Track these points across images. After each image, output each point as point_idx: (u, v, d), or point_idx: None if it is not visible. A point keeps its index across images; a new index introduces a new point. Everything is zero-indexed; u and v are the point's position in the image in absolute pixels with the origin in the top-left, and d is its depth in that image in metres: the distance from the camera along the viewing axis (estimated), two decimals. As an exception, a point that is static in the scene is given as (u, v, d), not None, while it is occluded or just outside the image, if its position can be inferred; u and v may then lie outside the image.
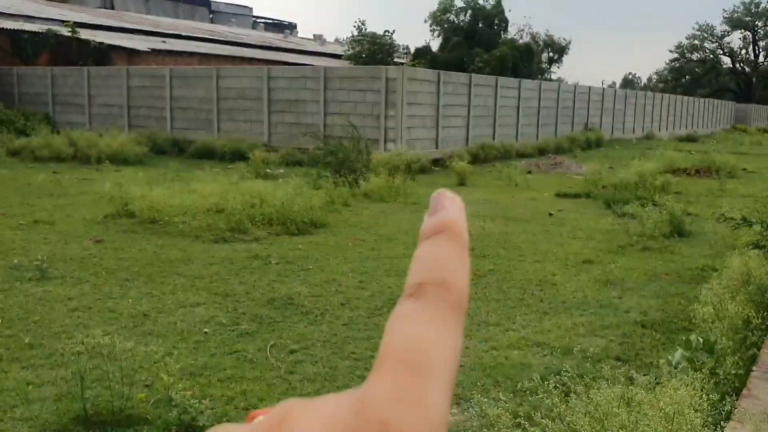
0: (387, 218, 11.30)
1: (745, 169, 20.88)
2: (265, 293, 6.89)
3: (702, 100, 54.30)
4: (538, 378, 3.96)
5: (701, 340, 5.01)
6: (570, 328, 5.97)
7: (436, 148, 20.63)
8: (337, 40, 61.90)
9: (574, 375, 4.27)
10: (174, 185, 12.06)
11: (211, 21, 62.27)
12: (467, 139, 22.16)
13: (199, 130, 22.62)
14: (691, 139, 37.45)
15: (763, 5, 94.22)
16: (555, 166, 19.92)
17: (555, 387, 3.74)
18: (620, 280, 7.62)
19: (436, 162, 19.45)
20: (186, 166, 18.48)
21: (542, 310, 6.52)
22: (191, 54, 32.38)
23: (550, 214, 12.03)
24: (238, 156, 18.89)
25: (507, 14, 52.35)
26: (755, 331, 5.20)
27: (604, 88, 34.46)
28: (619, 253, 9.04)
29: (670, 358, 4.94)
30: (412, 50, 49.95)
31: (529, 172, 18.48)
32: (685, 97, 50.55)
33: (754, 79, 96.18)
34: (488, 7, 51.75)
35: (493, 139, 23.30)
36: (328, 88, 20.24)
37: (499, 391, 4.63)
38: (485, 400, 3.89)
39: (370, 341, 5.57)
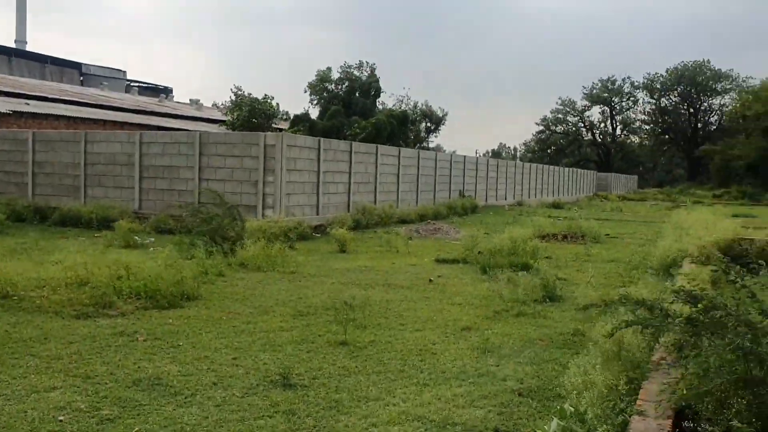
0: (264, 289, 10.91)
1: (608, 235, 22.01)
2: (130, 373, 6.39)
3: (567, 169, 57.51)
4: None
5: (573, 409, 5.02)
6: (450, 399, 5.86)
7: (317, 214, 20.54)
8: (214, 105, 61.41)
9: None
10: (33, 255, 11.26)
11: (82, 84, 60.42)
12: (348, 205, 22.24)
13: (65, 196, 21.55)
14: (557, 205, 39.36)
15: (618, 83, 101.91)
16: (434, 231, 20.25)
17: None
18: (497, 347, 7.62)
19: (317, 228, 19.30)
20: (48, 234, 17.45)
21: (422, 381, 6.39)
22: (57, 117, 31.08)
23: (430, 281, 12.06)
24: (107, 224, 18.00)
25: (380, 84, 53.86)
26: (623, 398, 5.25)
27: (478, 157, 35.85)
28: (495, 319, 9.07)
29: (546, 428, 4.91)
30: (292, 116, 50.30)
31: (410, 238, 18.65)
32: (552, 167, 53.37)
33: (612, 150, 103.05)
34: (363, 78, 53.10)
35: (375, 204, 23.48)
36: (204, 154, 19.81)
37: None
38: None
39: (245, 423, 5.24)
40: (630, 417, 4.70)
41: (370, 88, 52.10)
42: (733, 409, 4.49)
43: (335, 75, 52.61)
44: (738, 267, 5.88)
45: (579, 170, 62.89)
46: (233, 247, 13.30)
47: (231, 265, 12.62)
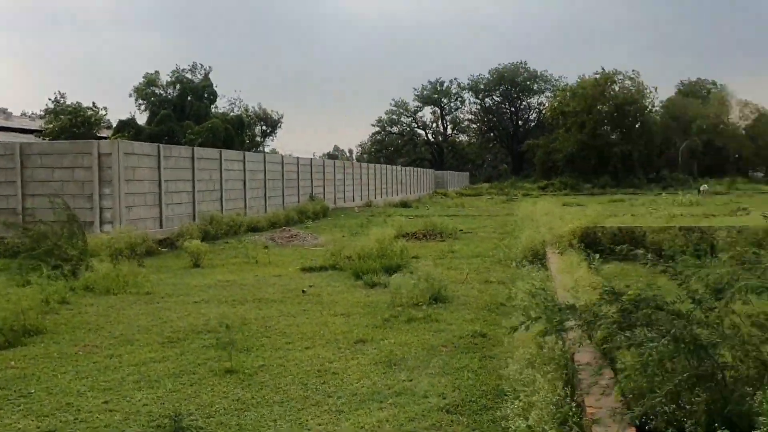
0: (119, 314, 9.64)
1: (461, 230, 22.29)
2: (-27, 437, 5.20)
3: (409, 168, 58.64)
4: None
5: (524, 425, 4.60)
6: (375, 426, 5.23)
7: (161, 227, 19.03)
8: (24, 114, 56.68)
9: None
10: None
11: None
12: (194, 215, 20.84)
13: None
14: (405, 204, 39.81)
15: (446, 84, 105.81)
16: (291, 238, 19.46)
17: None
18: (401, 359, 7.11)
19: (163, 242, 17.85)
20: None
21: (335, 407, 5.70)
22: None
23: (303, 292, 11.32)
24: None
25: (216, 88, 52.17)
26: (563, 403, 4.95)
27: (325, 160, 35.42)
28: (387, 328, 8.58)
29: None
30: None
31: (266, 247, 17.76)
32: (397, 167, 54.08)
33: (444, 149, 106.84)
34: (196, 81, 51.13)
35: (222, 212, 22.24)
36: (27, 167, 17.69)
37: None
38: None
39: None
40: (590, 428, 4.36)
41: (205, 91, 50.11)
42: (688, 410, 4.34)
43: (165, 79, 50.09)
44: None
45: (420, 169, 64.37)
46: (76, 269, 11.81)
47: (75, 289, 11.14)
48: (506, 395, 5.84)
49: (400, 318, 9.00)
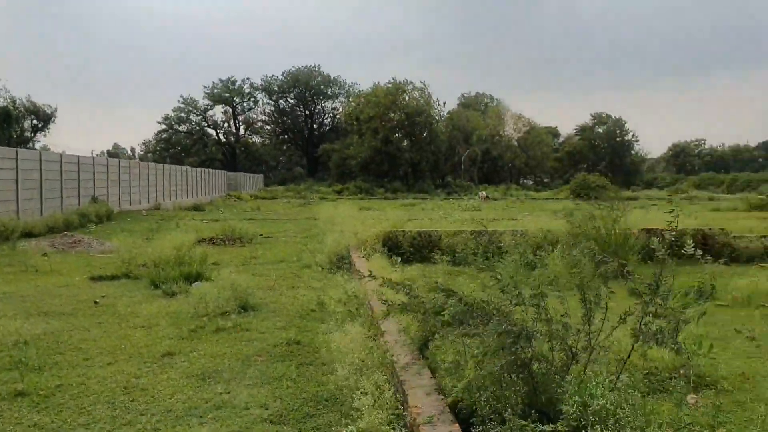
0: None
1: (262, 235, 22.12)
2: None
3: (201, 169, 56.91)
4: None
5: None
6: (196, 445, 5.06)
7: None
8: None
9: None
10: None
11: None
12: (-42, 219, 18.80)
13: None
14: (197, 207, 38.68)
15: (238, 84, 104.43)
16: (75, 244, 18.11)
17: None
18: (216, 372, 6.93)
19: None
20: None
21: (150, 425, 5.43)
22: None
23: (96, 303, 10.61)
24: None
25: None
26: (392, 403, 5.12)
27: (108, 159, 33.28)
28: (194, 339, 8.31)
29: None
30: None
31: (46, 254, 16.42)
32: (188, 168, 52.31)
33: (237, 150, 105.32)
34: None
35: (-10, 217, 20.25)
36: None
37: None
38: None
39: None
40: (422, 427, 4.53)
41: (-35, 79, 45.34)
42: (508, 402, 4.61)
43: None
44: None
45: (212, 171, 62.67)
46: None
47: None
48: (327, 402, 5.95)
49: (207, 328, 8.76)
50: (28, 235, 20.87)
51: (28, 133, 66.45)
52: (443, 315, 5.25)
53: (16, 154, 23.08)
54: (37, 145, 67.27)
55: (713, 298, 10.68)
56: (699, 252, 13.89)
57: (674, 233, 5.59)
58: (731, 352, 7.55)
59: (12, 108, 57.03)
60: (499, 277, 5.33)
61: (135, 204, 35.57)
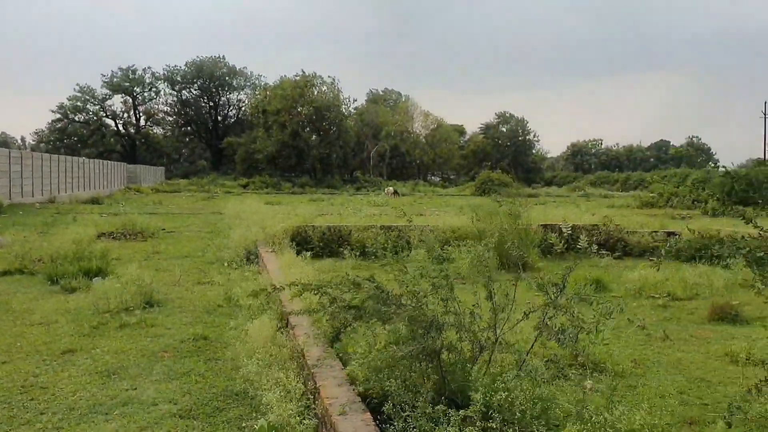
0: None
1: (164, 229, 21.65)
2: None
3: (99, 161, 55.06)
4: None
5: (267, 424, 4.76)
6: (103, 442, 5.01)
7: None
8: None
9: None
10: None
11: None
12: None
13: None
14: (96, 201, 37.40)
15: (139, 73, 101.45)
16: (-39, 238, 17.28)
17: None
18: (120, 368, 6.82)
19: None
20: None
21: (51, 424, 5.32)
22: None
23: None
24: None
25: None
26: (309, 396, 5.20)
27: (6, 149, 31.71)
28: (96, 336, 8.15)
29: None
30: None
31: (-72, 249, 15.60)
32: (85, 159, 50.53)
33: (137, 141, 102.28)
34: None
35: None
36: None
37: None
38: None
39: None
40: (335, 417, 4.63)
41: None
42: (419, 390, 4.73)
43: None
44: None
45: (111, 163, 60.64)
46: None
47: None
48: (237, 396, 5.98)
49: (110, 325, 8.63)
50: None
51: None
52: (356, 303, 5.31)
53: None
54: None
55: (607, 290, 11.22)
56: (596, 247, 14.72)
57: (570, 228, 5.92)
58: (624, 341, 7.98)
59: None
60: (404, 269, 5.49)
61: (27, 197, 34.08)
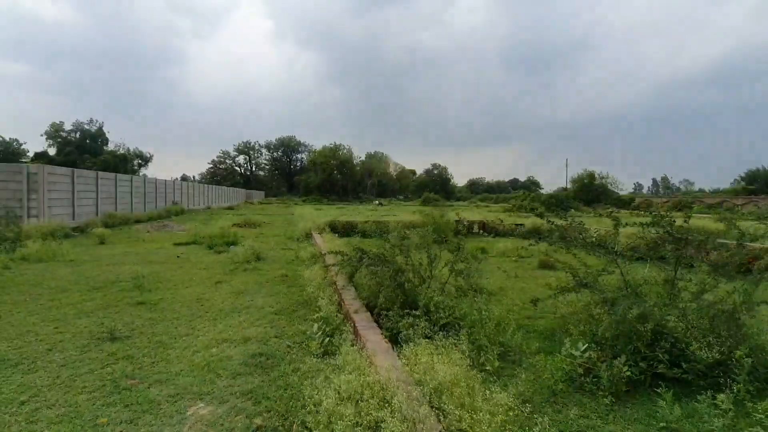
0: (52, 274, 7.77)
1: (265, 222, 21.40)
2: (-42, 357, 3.99)
3: (233, 188, 54.31)
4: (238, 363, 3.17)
5: (325, 316, 4.78)
6: (237, 325, 5.05)
7: (73, 219, 15.55)
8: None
9: (268, 357, 3.58)
10: None
11: None
12: (97, 212, 17.33)
13: None
14: (230, 208, 36.85)
15: (252, 143, 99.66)
16: (164, 227, 17.07)
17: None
18: (245, 290, 6.78)
19: (76, 229, 14.59)
20: None
21: (211, 317, 5.36)
22: None
23: (178, 257, 10.11)
24: None
25: (108, 135, 43.61)
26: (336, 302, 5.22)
27: (182, 182, 31.24)
28: (232, 274, 8.05)
29: (306, 328, 4.57)
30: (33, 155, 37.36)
31: (148, 231, 15.46)
32: (224, 187, 49.82)
33: (251, 179, 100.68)
34: (93, 130, 42.27)
35: (116, 210, 18.77)
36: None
37: (213, 377, 3.60)
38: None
39: (94, 373, 3.73)
40: (352, 314, 4.66)
41: (98, 136, 41.50)
42: (395, 305, 4.74)
43: (68, 126, 40.46)
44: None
45: (238, 189, 59.84)
46: (13, 246, 9.27)
47: (14, 260, 8.76)
48: (304, 303, 5.90)
49: (239, 269, 8.51)
50: (138, 221, 19.56)
51: (135, 168, 61.41)
52: (363, 260, 5.28)
53: (131, 179, 21.50)
54: (144, 173, 62.25)
55: (487, 252, 11.25)
56: (482, 231, 14.82)
57: (468, 221, 5.93)
58: (493, 277, 7.89)
59: (127, 153, 52.56)
60: (387, 242, 5.55)
61: (196, 205, 33.67)
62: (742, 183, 55.07)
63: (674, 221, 4.51)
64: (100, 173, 18.05)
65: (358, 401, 2.60)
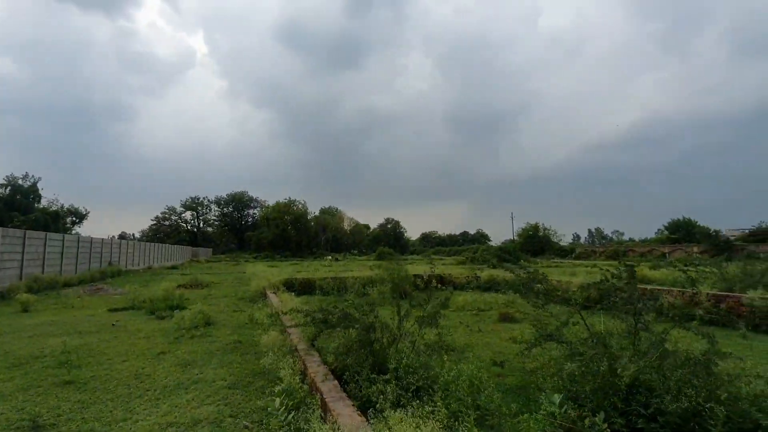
0: None
1: (213, 282, 20.25)
2: None
3: (176, 246, 51.39)
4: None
5: (286, 388, 4.43)
6: (184, 404, 4.54)
7: (-10, 285, 13.79)
8: None
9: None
10: None
11: None
12: (21, 275, 15.52)
13: None
14: (174, 267, 34.53)
15: (201, 199, 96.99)
16: (98, 290, 15.56)
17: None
18: (192, 361, 6.20)
19: (-9, 296, 12.90)
20: None
21: (153, 396, 4.80)
22: None
23: (113, 325, 9.14)
24: None
25: (41, 191, 40.62)
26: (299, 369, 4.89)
27: (120, 240, 29.12)
28: (178, 343, 7.38)
29: (273, 404, 4.20)
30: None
31: (79, 296, 14.00)
32: (168, 245, 47.03)
33: (198, 235, 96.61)
34: (26, 186, 39.25)
35: (43, 273, 16.93)
36: None
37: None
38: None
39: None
40: (319, 384, 4.37)
41: (31, 192, 38.43)
42: (365, 369, 4.57)
43: (-1, 181, 37.24)
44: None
45: (182, 246, 56.63)
46: None
47: None
48: (261, 374, 5.52)
49: (185, 336, 7.82)
50: (68, 285, 17.67)
51: (68, 225, 56.76)
52: (328, 321, 5.06)
53: (63, 237, 19.74)
54: (78, 231, 57.47)
55: (447, 306, 11.20)
56: (439, 285, 14.89)
57: (428, 275, 5.92)
58: (456, 333, 7.87)
59: (61, 211, 48.65)
60: (347, 301, 5.39)
61: (135, 265, 31.26)
62: (666, 232, 60.38)
63: (635, 270, 4.77)
64: (29, 232, 16.44)
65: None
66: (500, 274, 15.26)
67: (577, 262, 36.59)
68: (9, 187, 38.23)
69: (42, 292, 14.81)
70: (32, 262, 16.53)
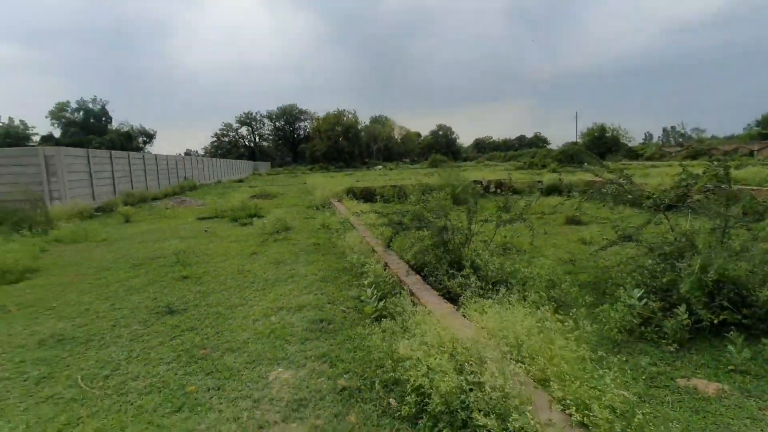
0: (89, 254, 7.89)
1: (280, 192, 21.42)
2: (27, 337, 4.16)
3: (240, 161, 54.09)
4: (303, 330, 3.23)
5: (372, 279, 4.84)
6: (287, 293, 5.13)
7: (94, 200, 15.68)
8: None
9: (329, 322, 3.64)
10: None
11: None
12: (114, 191, 17.43)
13: None
14: (240, 181, 36.91)
15: (254, 114, 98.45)
16: (182, 202, 17.18)
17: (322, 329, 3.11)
18: (282, 260, 6.80)
19: (98, 209, 14.77)
20: None
21: (260, 287, 5.44)
22: None
23: (206, 231, 10.21)
24: None
25: (111, 114, 43.12)
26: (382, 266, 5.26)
27: (191, 157, 31.12)
28: (264, 245, 8.09)
29: (358, 293, 4.63)
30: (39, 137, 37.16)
31: (167, 208, 15.56)
32: (232, 160, 49.57)
33: (255, 150, 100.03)
34: (96, 109, 41.76)
35: (132, 189, 18.87)
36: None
37: (282, 343, 3.70)
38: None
39: (165, 345, 3.85)
40: (404, 277, 4.70)
41: (102, 115, 41.04)
42: (443, 266, 4.80)
43: (73, 106, 39.96)
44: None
45: (244, 161, 59.59)
46: (45, 229, 9.41)
47: (48, 242, 8.91)
48: (346, 270, 5.91)
49: (269, 240, 8.52)
50: (155, 199, 19.68)
51: (141, 145, 61.08)
52: (402, 223, 5.24)
53: (143, 156, 21.46)
54: (149, 150, 62.10)
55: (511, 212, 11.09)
56: (499, 191, 14.70)
57: (487, 181, 5.87)
58: (525, 236, 7.80)
59: (131, 131, 52.13)
60: (419, 204, 5.46)
61: (207, 180, 33.70)
62: (757, 128, 53.16)
63: (729, 168, 4.40)
64: (113, 152, 17.98)
65: (451, 354, 2.67)
66: (565, 177, 14.67)
67: (648, 163, 33.89)
68: (82, 111, 40.97)
69: (136, 205, 16.61)
70: (122, 179, 18.32)
